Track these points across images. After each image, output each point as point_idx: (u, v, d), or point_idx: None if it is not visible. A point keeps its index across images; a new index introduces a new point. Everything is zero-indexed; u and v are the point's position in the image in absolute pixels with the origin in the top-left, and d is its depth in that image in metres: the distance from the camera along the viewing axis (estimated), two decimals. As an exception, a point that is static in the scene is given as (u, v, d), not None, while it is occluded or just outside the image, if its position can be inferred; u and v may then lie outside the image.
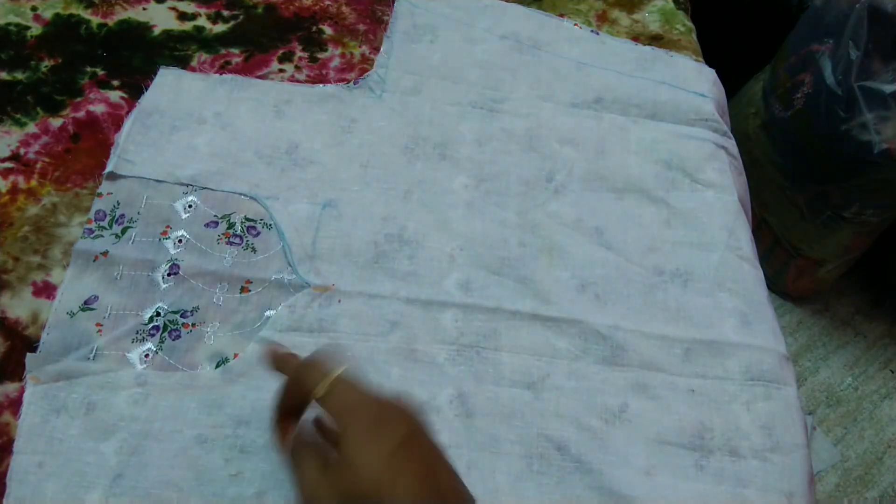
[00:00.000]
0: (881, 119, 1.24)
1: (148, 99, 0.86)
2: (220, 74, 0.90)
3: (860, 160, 1.28)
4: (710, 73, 0.99)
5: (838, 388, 1.57)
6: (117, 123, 0.84)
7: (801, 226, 1.50)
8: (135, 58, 0.90)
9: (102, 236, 0.74)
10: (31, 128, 0.83)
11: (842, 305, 1.71)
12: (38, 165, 0.80)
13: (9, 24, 0.92)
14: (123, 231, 0.75)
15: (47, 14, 0.94)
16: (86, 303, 0.70)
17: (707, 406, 0.70)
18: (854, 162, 1.30)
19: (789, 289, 1.67)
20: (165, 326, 0.70)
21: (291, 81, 0.90)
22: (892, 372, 1.61)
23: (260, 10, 0.98)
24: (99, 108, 0.85)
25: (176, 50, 0.92)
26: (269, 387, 0.67)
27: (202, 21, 0.96)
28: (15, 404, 0.64)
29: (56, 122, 0.83)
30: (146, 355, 0.68)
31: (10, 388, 0.65)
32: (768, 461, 0.67)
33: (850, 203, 1.39)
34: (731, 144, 0.92)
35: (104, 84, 0.87)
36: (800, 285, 1.65)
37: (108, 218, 0.76)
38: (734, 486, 0.66)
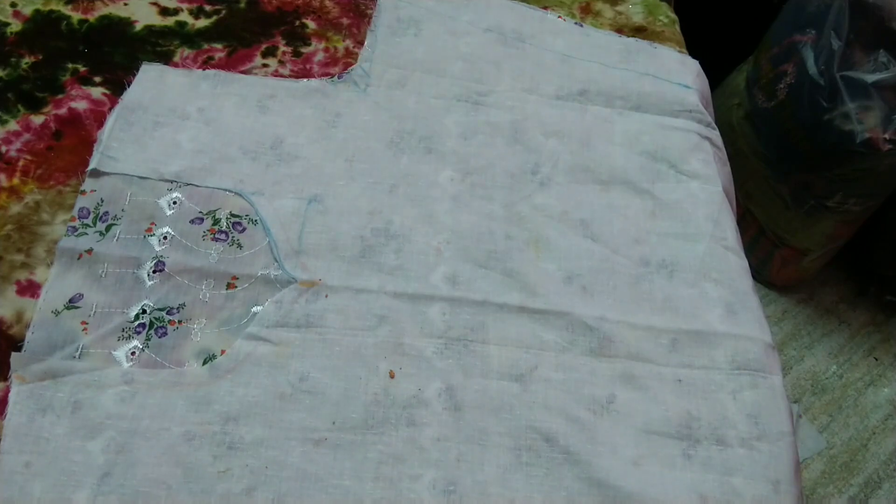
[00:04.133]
0: (863, 108, 1.24)
1: (130, 95, 0.85)
2: (203, 70, 0.89)
3: (843, 149, 1.29)
4: (693, 65, 0.99)
5: (823, 376, 1.58)
6: (100, 120, 0.83)
7: (785, 215, 1.50)
8: (116, 54, 0.90)
9: (87, 234, 0.74)
10: (13, 125, 0.82)
11: (826, 294, 1.72)
12: (21, 163, 0.79)
13: (-12, 20, 0.91)
14: (108, 228, 0.75)
15: (27, 10, 0.93)
16: (71, 301, 0.70)
17: (694, 395, 0.70)
18: (837, 151, 1.30)
19: (774, 278, 1.68)
20: (151, 324, 0.70)
21: (275, 76, 0.90)
22: (877, 359, 1.62)
23: (242, 5, 0.98)
24: (81, 105, 0.84)
25: (158, 45, 0.91)
26: (258, 381, 0.67)
27: (184, 16, 0.95)
28: (0, 403, 0.64)
29: (38, 120, 0.83)
30: (132, 353, 0.68)
31: (-4, 387, 0.65)
32: (755, 449, 0.68)
33: (833, 192, 1.39)
34: (716, 135, 0.93)
35: (86, 80, 0.87)
36: (784, 274, 1.66)
37: (91, 215, 0.75)
38: (721, 474, 0.67)
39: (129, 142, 0.81)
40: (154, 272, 0.73)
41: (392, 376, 0.69)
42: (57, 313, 0.69)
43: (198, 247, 0.75)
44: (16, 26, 0.91)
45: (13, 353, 0.66)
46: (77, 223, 0.75)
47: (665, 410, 0.69)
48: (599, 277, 0.77)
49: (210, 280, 0.73)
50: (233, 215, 0.77)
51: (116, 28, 0.93)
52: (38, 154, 0.80)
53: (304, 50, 0.93)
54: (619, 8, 1.06)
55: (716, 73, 1.29)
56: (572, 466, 0.66)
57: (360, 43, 0.95)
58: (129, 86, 0.86)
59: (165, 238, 0.75)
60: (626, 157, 0.87)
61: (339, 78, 0.90)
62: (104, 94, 0.86)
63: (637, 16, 1.05)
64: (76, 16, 0.93)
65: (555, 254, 0.78)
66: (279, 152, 0.83)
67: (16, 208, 0.76)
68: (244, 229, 0.76)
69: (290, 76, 0.90)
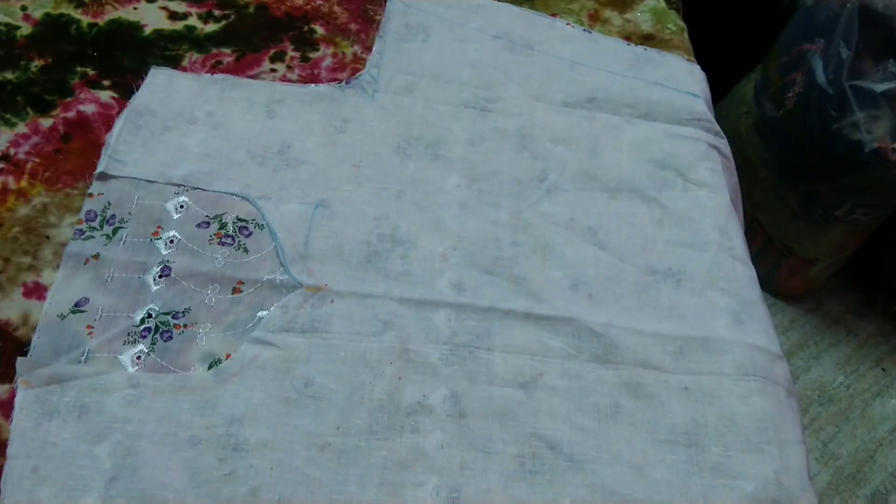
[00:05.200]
0: (872, 118, 1.24)
1: (139, 99, 0.85)
2: (212, 74, 0.89)
3: (851, 159, 1.28)
4: (701, 73, 0.99)
5: (830, 387, 1.57)
6: (108, 123, 0.83)
7: (793, 225, 1.50)
8: (126, 57, 0.90)
9: (94, 237, 0.74)
10: (22, 128, 0.82)
11: (833, 304, 1.71)
12: (29, 166, 0.79)
13: (-2, 23, 0.91)
14: (114, 231, 0.75)
15: (37, 14, 0.93)
16: (76, 305, 0.70)
17: (701, 402, 0.70)
18: (845, 161, 1.30)
19: (781, 288, 1.67)
20: (157, 328, 0.70)
21: (283, 81, 0.90)
22: (884, 370, 1.61)
23: (251, 10, 0.98)
24: (89, 108, 0.85)
25: (167, 50, 0.92)
26: (262, 385, 0.67)
27: (193, 21, 0.95)
28: (6, 406, 0.64)
29: (46, 123, 0.83)
30: (138, 357, 0.68)
31: (1, 389, 0.65)
32: (765, 454, 0.67)
33: (841, 202, 1.39)
34: (724, 144, 0.92)
35: (95, 84, 0.87)
36: (792, 284, 1.65)
37: (98, 218, 0.75)
38: (729, 480, 0.66)
39: (137, 145, 0.81)
40: (160, 276, 0.73)
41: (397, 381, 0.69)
42: (63, 317, 0.69)
43: (204, 251, 0.75)
44: (26, 30, 0.91)
45: (19, 358, 0.66)
46: (84, 226, 0.75)
47: (671, 417, 0.69)
48: (606, 285, 0.77)
49: (216, 284, 0.73)
50: (239, 219, 0.77)
51: (126, 32, 0.93)
52: (46, 157, 0.80)
53: (313, 55, 0.94)
54: (627, 16, 1.06)
55: (724, 82, 1.28)
56: (577, 473, 0.65)
57: (369, 49, 0.95)
58: (137, 90, 0.86)
59: (172, 242, 0.75)
60: (634, 165, 0.87)
61: (347, 83, 0.90)
62: (113, 97, 0.86)
63: (645, 24, 1.05)
64: (86, 20, 0.93)
65: (561, 261, 0.78)
66: (286, 157, 0.83)
67: (23, 210, 0.76)
68: (250, 234, 0.76)
69: (298, 81, 0.90)
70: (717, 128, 0.93)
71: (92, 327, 0.69)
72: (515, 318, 0.74)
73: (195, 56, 0.91)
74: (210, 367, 0.68)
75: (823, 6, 1.31)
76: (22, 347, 0.67)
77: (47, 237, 0.74)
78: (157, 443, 0.63)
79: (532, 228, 0.80)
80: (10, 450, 0.62)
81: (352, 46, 0.95)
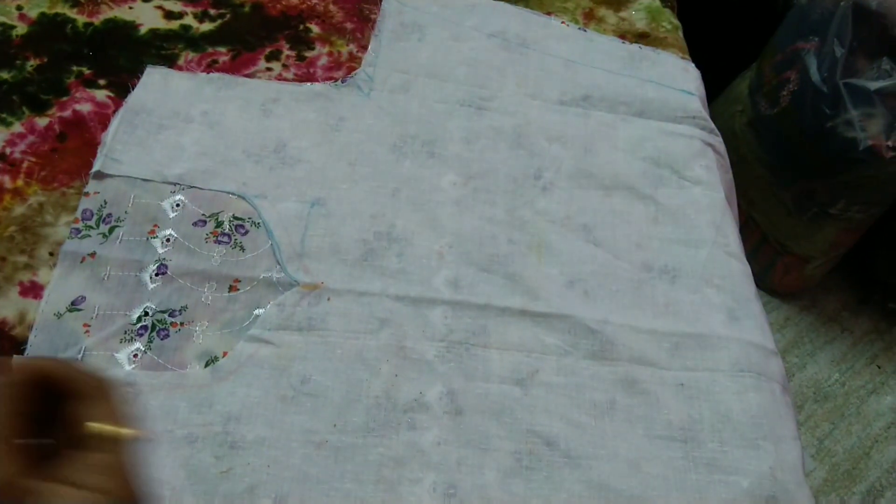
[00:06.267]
0: (866, 116, 1.24)
1: (135, 98, 0.85)
2: (208, 73, 0.89)
3: (846, 157, 1.29)
4: (695, 71, 0.99)
5: (825, 384, 1.58)
6: (104, 122, 0.83)
7: (788, 222, 1.50)
8: (121, 57, 0.90)
9: (90, 236, 0.74)
10: (17, 127, 0.82)
11: (828, 302, 1.72)
12: (25, 165, 0.79)
13: (-6, 23, 0.91)
14: (111, 230, 0.75)
15: (33, 13, 0.93)
16: (73, 303, 0.70)
17: (696, 398, 0.70)
18: (840, 159, 1.30)
19: (776, 285, 1.68)
20: (154, 326, 0.70)
21: (279, 80, 0.90)
22: (879, 367, 1.62)
23: (247, 9, 0.98)
24: (85, 108, 0.85)
25: (163, 49, 0.92)
26: (259, 383, 0.67)
27: (189, 20, 0.95)
28: (2, 405, 0.64)
29: (42, 122, 0.83)
30: (135, 355, 0.68)
31: (-2, 388, 0.65)
32: (761, 450, 0.68)
33: (836, 199, 1.39)
34: (718, 142, 0.93)
35: (90, 83, 0.87)
36: (787, 282, 1.66)
37: (94, 217, 0.75)
38: (725, 475, 0.66)
39: (133, 144, 0.81)
40: (157, 275, 0.73)
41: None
42: (59, 316, 0.69)
43: (200, 249, 0.75)
44: (21, 29, 0.91)
45: (14, 357, 0.66)
46: (80, 225, 0.75)
47: (667, 414, 0.69)
48: (601, 282, 0.77)
49: (212, 282, 0.73)
50: (235, 218, 0.77)
51: (121, 31, 0.93)
52: (42, 156, 0.80)
53: (308, 54, 0.94)
54: (622, 14, 1.06)
55: (719, 80, 1.29)
56: (573, 470, 0.66)
57: (364, 47, 0.95)
58: (133, 89, 0.86)
59: (168, 240, 0.75)
60: (629, 163, 0.87)
61: (342, 82, 0.91)
62: (108, 96, 0.86)
63: (640, 22, 1.05)
64: (81, 19, 0.93)
65: (557, 258, 0.78)
66: (282, 156, 0.83)
67: (19, 210, 0.76)
68: (247, 232, 0.76)
69: (293, 80, 0.90)
70: (712, 125, 0.93)
71: (88, 326, 0.69)
72: (511, 315, 0.74)
73: (191, 55, 0.92)
74: (207, 364, 0.68)
75: (817, 5, 1.31)
76: (18, 346, 0.67)
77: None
78: (154, 440, 0.63)
79: (528, 226, 0.80)
80: (7, 448, 0.62)
81: (347, 45, 0.96)
